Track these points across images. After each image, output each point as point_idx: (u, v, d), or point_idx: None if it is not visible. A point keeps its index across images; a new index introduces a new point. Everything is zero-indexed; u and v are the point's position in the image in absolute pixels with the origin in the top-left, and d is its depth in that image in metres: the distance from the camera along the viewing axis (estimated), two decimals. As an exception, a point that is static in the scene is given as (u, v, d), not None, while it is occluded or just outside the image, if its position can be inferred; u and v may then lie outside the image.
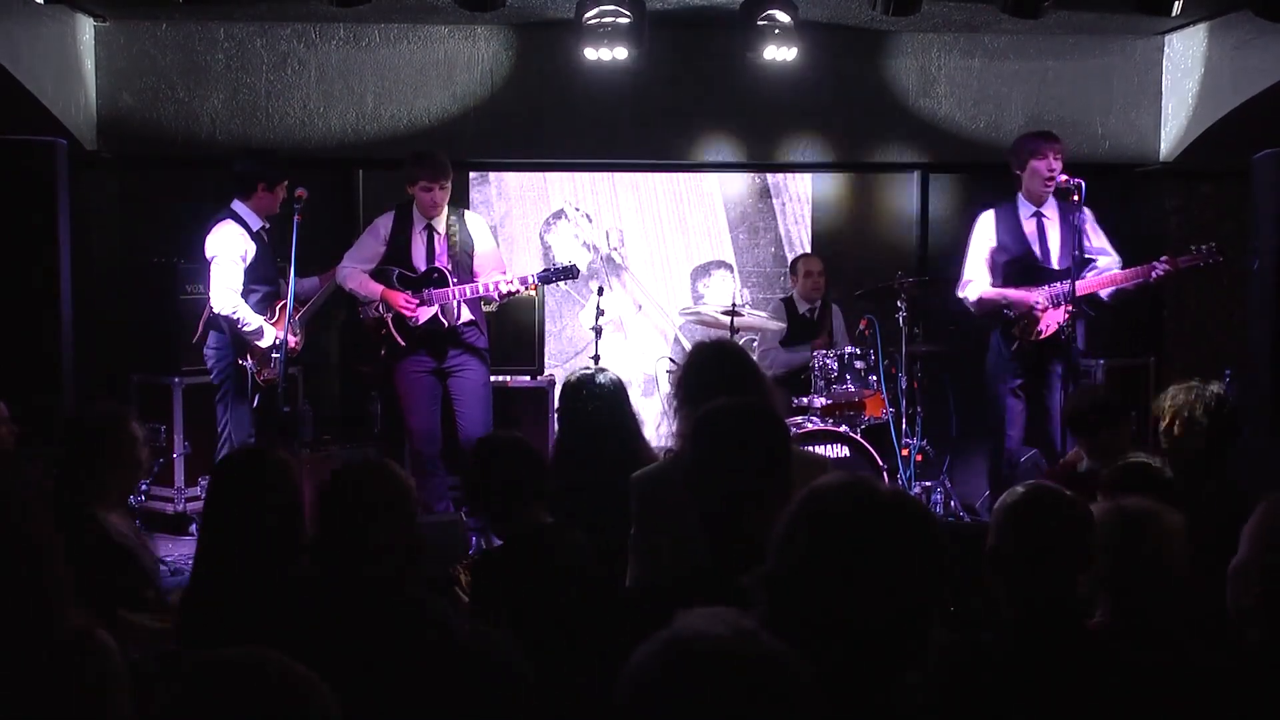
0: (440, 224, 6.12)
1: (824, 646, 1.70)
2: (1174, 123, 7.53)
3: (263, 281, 5.91)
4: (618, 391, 4.33)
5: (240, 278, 5.82)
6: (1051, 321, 5.82)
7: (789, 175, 8.06)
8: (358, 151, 7.35)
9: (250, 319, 5.79)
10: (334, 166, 7.43)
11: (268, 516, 2.91)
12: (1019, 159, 5.97)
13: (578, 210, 8.08)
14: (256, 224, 5.95)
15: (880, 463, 6.24)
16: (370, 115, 7.33)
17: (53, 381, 5.58)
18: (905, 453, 6.61)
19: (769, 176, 8.09)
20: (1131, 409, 6.96)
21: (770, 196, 8.14)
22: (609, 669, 1.43)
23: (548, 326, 7.41)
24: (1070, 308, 5.68)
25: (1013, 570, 2.42)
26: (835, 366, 6.51)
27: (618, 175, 8.03)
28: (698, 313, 7.20)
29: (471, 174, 7.92)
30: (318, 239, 6.24)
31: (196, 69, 7.19)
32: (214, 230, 5.86)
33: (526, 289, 6.11)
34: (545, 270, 6.18)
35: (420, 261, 6.08)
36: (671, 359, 7.32)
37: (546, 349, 7.43)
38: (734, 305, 6.65)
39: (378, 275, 6.12)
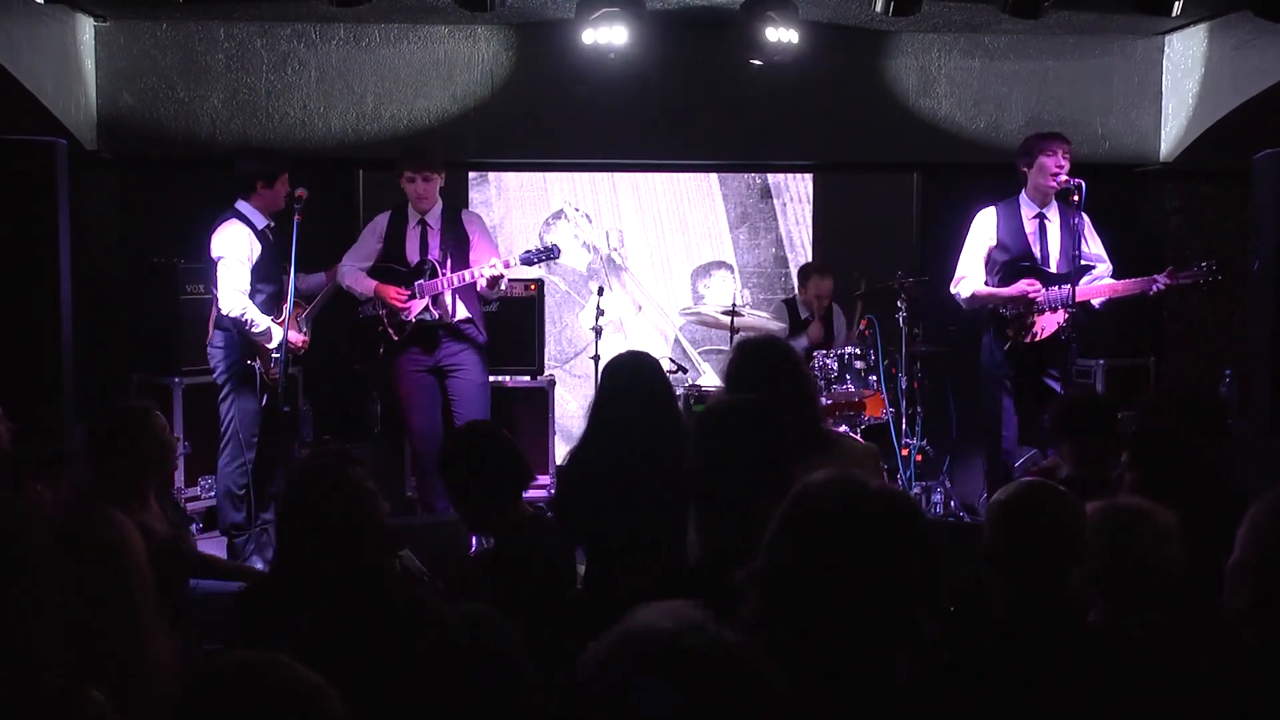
0: (434, 219, 6.13)
1: (813, 642, 1.71)
2: (1174, 123, 7.53)
3: (268, 281, 5.91)
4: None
5: (247, 278, 5.82)
6: (1049, 324, 5.81)
7: (790, 175, 8.07)
8: (358, 151, 7.36)
9: (258, 320, 5.79)
10: (334, 166, 7.43)
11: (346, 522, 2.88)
12: (1028, 155, 5.94)
13: (577, 210, 8.08)
14: (262, 223, 5.95)
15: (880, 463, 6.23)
16: (370, 115, 7.33)
17: (53, 381, 5.57)
18: (905, 453, 6.61)
19: (770, 177, 8.09)
20: (1122, 412, 7.03)
21: (771, 197, 8.14)
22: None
23: (547, 327, 7.41)
24: (1069, 311, 5.67)
25: (1006, 567, 2.43)
26: (835, 366, 6.51)
27: (618, 175, 8.03)
28: (698, 313, 7.20)
29: (471, 174, 7.93)
30: (318, 239, 6.24)
31: (196, 69, 7.19)
32: (219, 230, 5.86)
33: (508, 271, 5.98)
34: (527, 252, 6.10)
35: (414, 257, 6.10)
36: (671, 359, 7.32)
37: (546, 349, 7.43)
38: (734, 305, 6.65)
39: (373, 273, 6.14)
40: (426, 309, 6.02)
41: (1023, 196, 6.00)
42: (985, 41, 7.54)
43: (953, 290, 6.09)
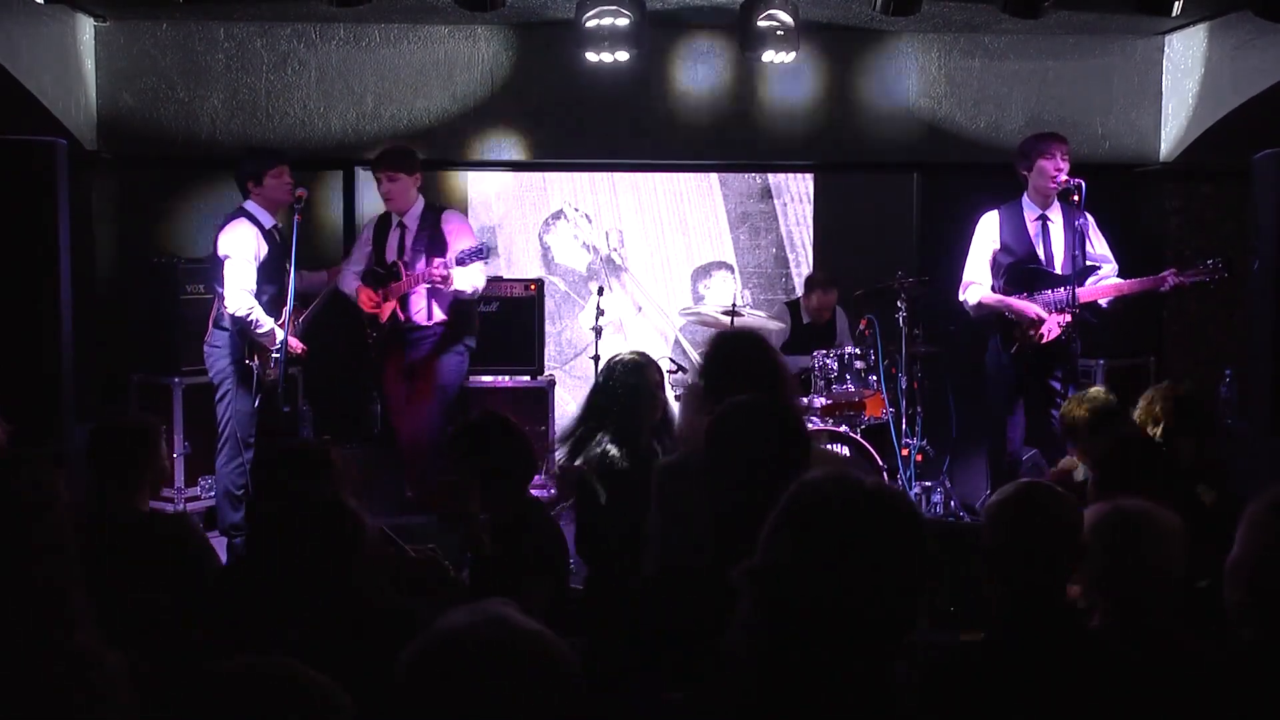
0: (411, 220, 6.10)
1: (810, 639, 1.71)
2: (1174, 123, 7.53)
3: (273, 282, 5.91)
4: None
5: (253, 277, 5.82)
6: (1053, 326, 5.80)
7: (791, 175, 8.07)
8: (358, 151, 7.35)
9: (264, 320, 5.79)
10: (334, 166, 7.43)
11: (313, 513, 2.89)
12: (1027, 158, 5.94)
13: (577, 210, 8.08)
14: (269, 222, 5.96)
15: (880, 463, 6.24)
16: (370, 115, 7.33)
17: (53, 381, 5.57)
18: (905, 453, 6.61)
19: (770, 176, 8.10)
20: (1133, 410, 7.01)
21: (772, 197, 8.14)
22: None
23: (547, 328, 7.40)
24: (1072, 314, 5.66)
25: (1004, 567, 2.43)
26: (835, 366, 6.51)
27: (617, 175, 8.03)
28: (698, 313, 7.20)
29: (471, 174, 7.92)
30: (318, 239, 6.24)
31: (196, 69, 7.19)
32: (227, 229, 5.86)
33: (449, 272, 5.87)
34: (461, 252, 6.00)
35: (391, 259, 6.11)
36: (671, 359, 7.32)
37: (546, 350, 7.42)
38: (734, 305, 6.65)
39: (364, 275, 6.21)
40: (395, 313, 6.00)
41: (1024, 199, 5.99)
42: (985, 41, 7.53)
43: (960, 297, 6.08)
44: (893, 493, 1.81)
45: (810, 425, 6.37)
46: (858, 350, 6.54)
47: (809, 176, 8.07)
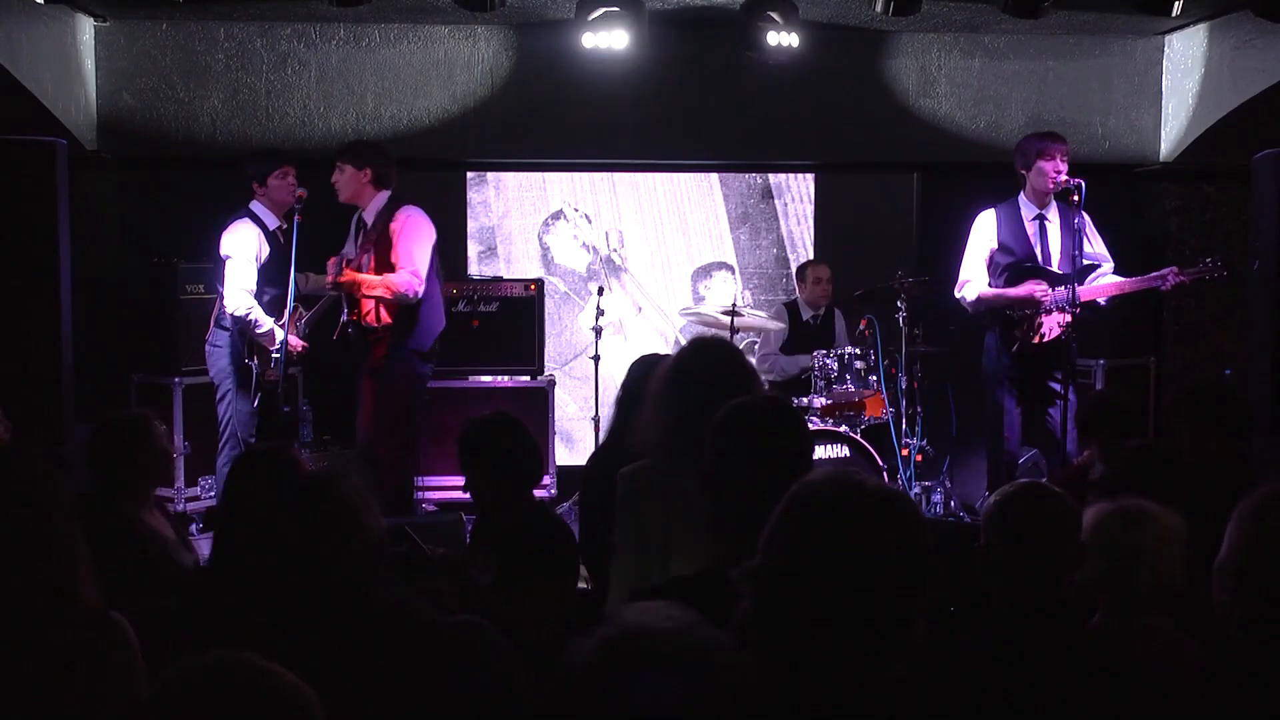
0: (369, 216, 5.90)
1: (810, 641, 1.71)
2: (1174, 123, 7.53)
3: (274, 284, 5.90)
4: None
5: (254, 277, 5.82)
6: (1053, 325, 5.80)
7: (792, 175, 8.08)
8: (358, 152, 7.34)
9: (263, 320, 5.79)
10: (334, 167, 7.42)
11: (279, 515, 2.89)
12: (1025, 158, 5.94)
13: (576, 211, 8.08)
14: (273, 223, 5.95)
15: (880, 463, 6.24)
16: (370, 115, 7.33)
17: (53, 381, 5.58)
18: (905, 453, 6.61)
19: (771, 176, 8.10)
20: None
21: (773, 197, 8.14)
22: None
23: (546, 328, 7.40)
24: (1074, 313, 5.66)
25: (1001, 568, 2.43)
26: (835, 366, 6.51)
27: (617, 175, 8.03)
28: (698, 313, 7.20)
29: (470, 174, 7.93)
30: (318, 239, 6.23)
31: (196, 69, 7.20)
32: (230, 229, 5.86)
33: (342, 275, 5.73)
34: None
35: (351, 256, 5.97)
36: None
37: (545, 351, 7.42)
38: (734, 305, 6.65)
39: None
40: (344, 314, 5.89)
41: (1022, 198, 5.99)
42: (985, 41, 7.54)
43: (957, 294, 6.08)
44: (894, 494, 1.81)
45: (810, 425, 6.38)
46: (858, 350, 6.54)
47: (810, 176, 8.08)
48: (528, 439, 3.66)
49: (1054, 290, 5.80)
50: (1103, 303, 5.90)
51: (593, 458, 4.58)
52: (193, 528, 6.70)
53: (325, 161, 7.30)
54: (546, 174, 8.00)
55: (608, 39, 6.51)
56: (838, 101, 7.53)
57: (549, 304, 7.51)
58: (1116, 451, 4.17)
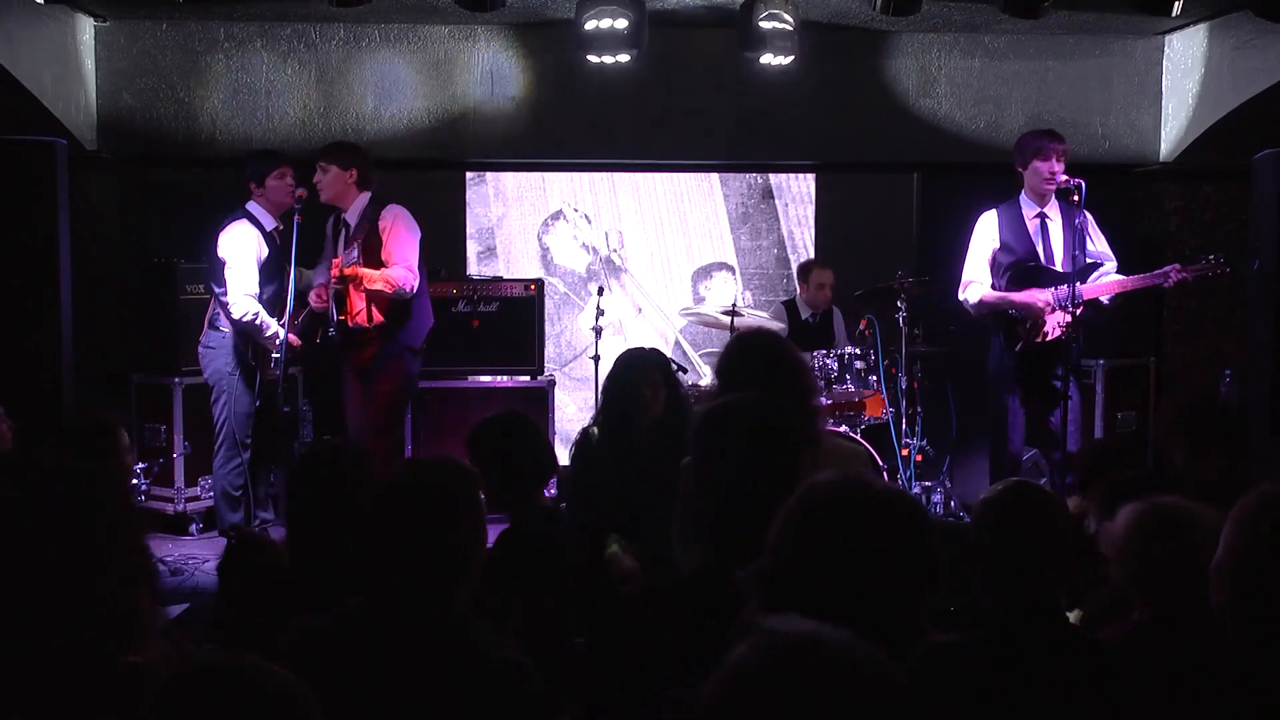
0: (352, 217, 5.88)
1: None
2: (1174, 123, 7.53)
3: (272, 283, 5.90)
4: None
5: (256, 280, 5.81)
6: (1056, 324, 5.80)
7: (792, 175, 8.08)
8: (358, 152, 7.35)
9: (268, 323, 5.77)
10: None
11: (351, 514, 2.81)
12: (1023, 157, 5.94)
13: (576, 211, 8.08)
14: (270, 224, 5.93)
15: (880, 463, 6.24)
16: (370, 115, 7.33)
17: (53, 381, 5.58)
18: (905, 453, 6.61)
19: (772, 176, 8.10)
20: (1122, 413, 7.03)
21: (773, 197, 8.14)
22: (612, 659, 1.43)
23: (546, 329, 7.40)
24: (1076, 311, 5.65)
25: (991, 567, 2.43)
26: (835, 366, 6.51)
27: (617, 175, 8.03)
28: (698, 313, 7.20)
29: (469, 174, 7.93)
30: (317, 239, 6.23)
31: (196, 69, 7.20)
32: (227, 230, 5.83)
33: (350, 270, 5.68)
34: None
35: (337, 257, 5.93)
36: (671, 359, 7.31)
37: (545, 351, 7.42)
38: (734, 305, 6.65)
39: None
40: (331, 312, 5.84)
41: (1023, 197, 5.99)
42: (985, 41, 7.54)
43: (960, 296, 6.07)
44: (899, 495, 1.81)
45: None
46: (858, 350, 6.54)
47: (810, 176, 8.08)
48: (535, 438, 3.64)
49: (1055, 290, 5.79)
50: (1105, 301, 5.90)
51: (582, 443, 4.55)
52: (192, 528, 6.71)
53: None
54: (546, 174, 7.99)
55: (608, 38, 6.51)
56: (838, 101, 7.53)
57: (548, 305, 7.51)
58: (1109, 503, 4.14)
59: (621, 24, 6.44)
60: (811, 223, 8.11)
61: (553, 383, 7.13)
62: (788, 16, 6.51)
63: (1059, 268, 5.87)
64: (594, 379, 6.89)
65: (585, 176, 8.03)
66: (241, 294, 5.76)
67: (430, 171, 7.73)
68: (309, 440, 6.80)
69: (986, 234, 6.01)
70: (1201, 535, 2.57)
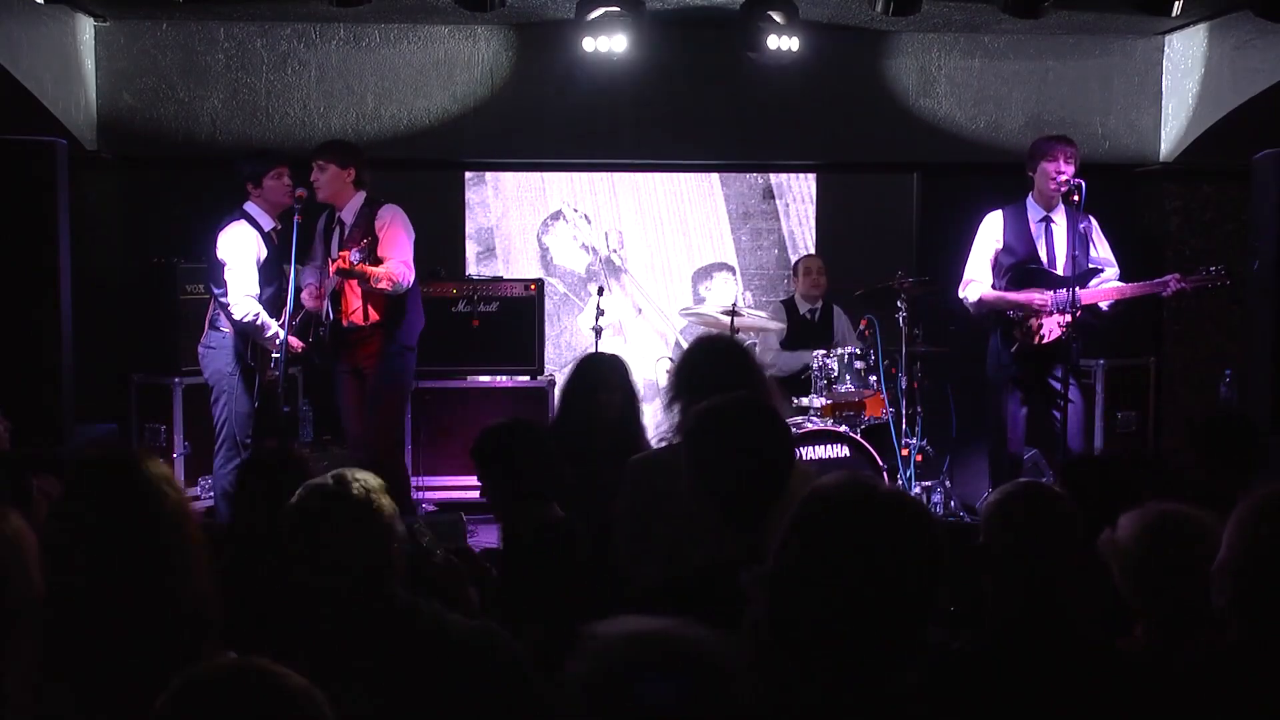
0: (348, 215, 5.87)
1: (823, 645, 1.70)
2: (1174, 123, 7.53)
3: (271, 284, 5.89)
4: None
5: (256, 281, 5.80)
6: (1054, 327, 5.80)
7: (793, 175, 8.07)
8: (357, 152, 7.34)
9: (269, 323, 5.76)
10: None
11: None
12: (1031, 160, 5.96)
13: (576, 211, 8.08)
14: (268, 224, 5.91)
15: (880, 463, 6.24)
16: (370, 115, 7.33)
17: (53, 381, 5.58)
18: (905, 453, 6.61)
19: (773, 176, 8.10)
20: (1122, 412, 7.03)
21: (774, 197, 8.14)
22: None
23: (546, 329, 7.39)
24: (1074, 315, 5.66)
25: (1000, 568, 2.43)
26: (835, 366, 6.51)
27: (617, 175, 8.03)
28: (698, 313, 7.20)
29: (468, 174, 7.93)
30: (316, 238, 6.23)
31: (196, 69, 7.19)
32: (225, 231, 5.81)
33: (352, 265, 5.58)
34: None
35: (333, 256, 5.88)
36: (671, 359, 7.32)
37: (545, 352, 7.41)
38: (734, 305, 6.65)
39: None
40: (327, 311, 5.85)
41: (1029, 200, 6.00)
42: (985, 41, 7.54)
43: (960, 294, 6.08)
44: (906, 498, 1.81)
45: (810, 425, 6.38)
46: (858, 350, 6.54)
47: (812, 176, 8.08)
48: (540, 446, 3.60)
49: (1054, 293, 5.80)
50: (1105, 308, 5.90)
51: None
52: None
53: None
54: (545, 174, 7.99)
55: (608, 39, 6.51)
56: (838, 101, 7.53)
57: (548, 305, 7.51)
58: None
59: (621, 23, 6.44)
60: (813, 223, 8.11)
61: (553, 383, 7.12)
62: (788, 16, 6.51)
63: (1060, 271, 5.87)
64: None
65: (585, 176, 8.02)
66: (242, 295, 5.75)
67: (430, 171, 7.73)
68: (309, 440, 6.81)
69: (990, 234, 6.02)
70: (1206, 543, 2.56)
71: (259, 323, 5.76)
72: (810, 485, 1.83)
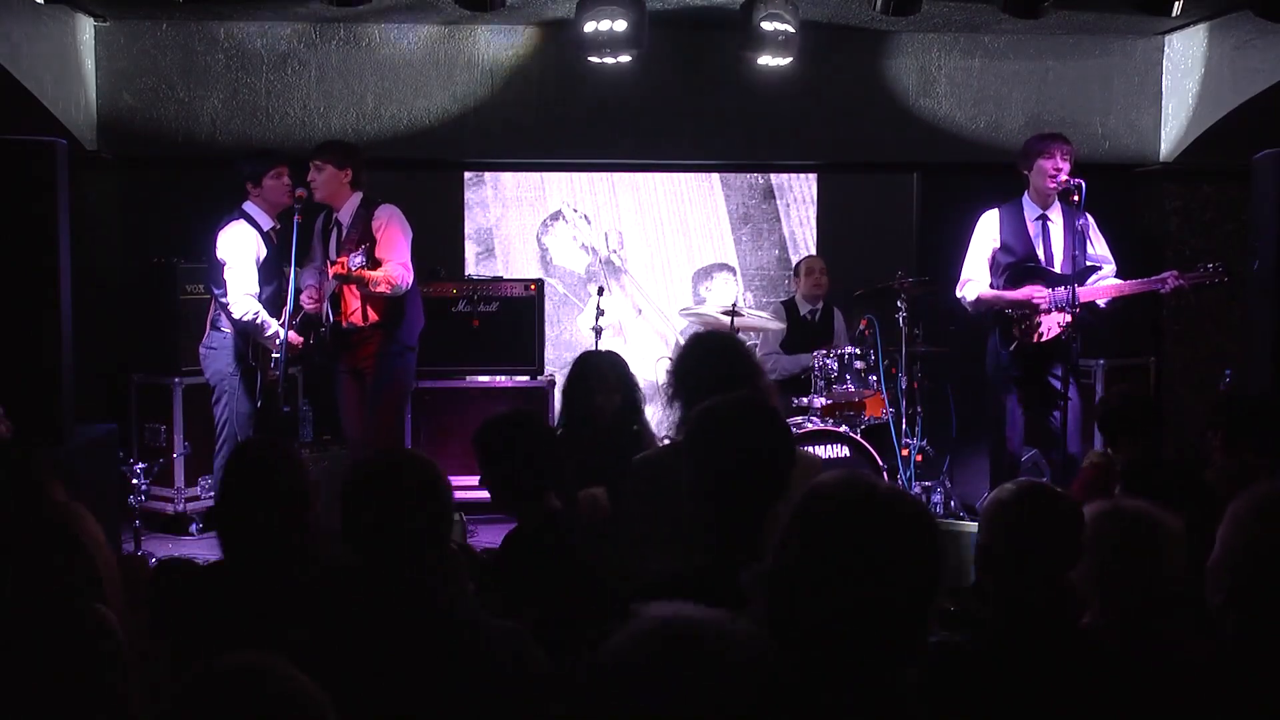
0: (345, 216, 5.87)
1: (823, 644, 1.70)
2: (1174, 123, 7.53)
3: (270, 284, 5.89)
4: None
5: (255, 280, 5.80)
6: (1052, 325, 5.80)
7: (794, 175, 8.07)
8: (357, 152, 7.34)
9: (269, 322, 5.77)
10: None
11: (277, 507, 2.85)
12: (1027, 158, 5.96)
13: (575, 212, 8.08)
14: (267, 224, 5.91)
15: (880, 463, 6.24)
16: (370, 115, 7.33)
17: (52, 381, 5.57)
18: (905, 453, 6.61)
19: (774, 176, 8.09)
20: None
21: (775, 198, 8.14)
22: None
23: (546, 330, 7.39)
24: (1074, 313, 5.65)
25: (1001, 568, 2.43)
26: (835, 366, 6.51)
27: (617, 175, 8.03)
28: (698, 313, 7.20)
29: (467, 174, 7.93)
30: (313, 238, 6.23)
31: (196, 69, 7.19)
32: (224, 231, 5.81)
33: (350, 270, 5.58)
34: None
35: (332, 255, 5.91)
36: (671, 359, 7.31)
37: (545, 352, 7.41)
38: (734, 305, 6.65)
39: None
40: (326, 313, 5.86)
41: (1025, 198, 6.00)
42: (985, 41, 7.54)
43: (958, 294, 6.08)
44: (904, 496, 1.81)
45: (810, 425, 6.38)
46: (858, 350, 6.54)
47: (813, 177, 8.08)
48: (543, 437, 3.59)
49: (1053, 291, 5.80)
50: (1102, 305, 5.90)
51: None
52: (192, 527, 6.72)
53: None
54: (545, 174, 7.99)
55: (608, 39, 6.50)
56: (838, 101, 7.53)
57: (548, 305, 7.51)
58: (1132, 450, 4.18)
59: (621, 24, 6.44)
60: (814, 223, 8.11)
61: (553, 383, 7.12)
62: (788, 16, 6.51)
63: (1058, 270, 5.87)
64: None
65: (585, 177, 8.02)
66: (242, 294, 5.75)
67: (429, 171, 7.73)
68: (309, 440, 6.81)
69: (987, 233, 6.02)
70: (1163, 542, 2.59)
71: (259, 322, 5.76)
72: (810, 484, 1.83)
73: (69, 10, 6.71)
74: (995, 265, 6.00)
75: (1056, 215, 5.96)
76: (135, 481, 6.41)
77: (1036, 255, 5.93)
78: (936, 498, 6.76)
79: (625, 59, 6.64)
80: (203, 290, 6.31)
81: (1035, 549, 2.41)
